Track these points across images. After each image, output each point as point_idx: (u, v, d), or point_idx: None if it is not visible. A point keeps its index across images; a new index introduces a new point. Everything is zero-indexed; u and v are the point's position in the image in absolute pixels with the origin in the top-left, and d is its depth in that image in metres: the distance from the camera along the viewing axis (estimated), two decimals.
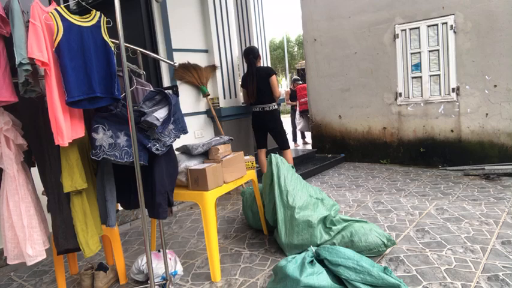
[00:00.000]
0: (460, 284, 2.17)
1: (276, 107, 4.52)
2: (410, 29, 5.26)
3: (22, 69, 1.63)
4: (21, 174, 1.93)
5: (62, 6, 1.83)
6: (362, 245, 2.58)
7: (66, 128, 1.79)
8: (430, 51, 5.15)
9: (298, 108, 8.05)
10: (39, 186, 2.08)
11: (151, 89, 2.36)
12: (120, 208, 2.53)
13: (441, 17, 4.97)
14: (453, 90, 5.01)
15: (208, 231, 2.46)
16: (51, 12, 1.74)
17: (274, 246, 2.97)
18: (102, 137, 1.94)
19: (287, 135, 4.75)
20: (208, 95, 4.62)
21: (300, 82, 8.71)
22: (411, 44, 5.29)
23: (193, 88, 4.58)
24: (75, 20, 1.82)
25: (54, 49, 1.74)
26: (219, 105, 4.76)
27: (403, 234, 2.97)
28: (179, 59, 4.33)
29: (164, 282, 2.40)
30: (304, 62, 7.92)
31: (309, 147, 7.55)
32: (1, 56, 1.71)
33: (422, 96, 5.31)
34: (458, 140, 5.07)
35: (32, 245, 1.92)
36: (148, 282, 2.33)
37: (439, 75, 5.12)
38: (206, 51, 4.75)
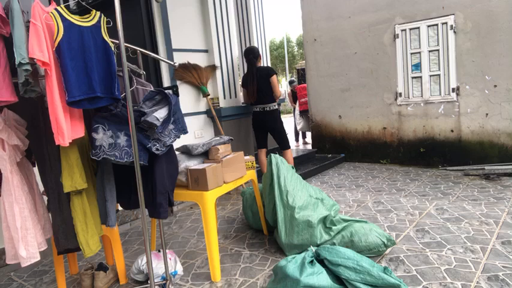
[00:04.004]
0: (460, 284, 2.17)
1: (276, 107, 4.52)
2: (410, 29, 5.26)
3: (22, 69, 1.63)
4: (16, 176, 1.91)
5: (62, 6, 1.83)
6: (362, 245, 2.58)
7: (67, 128, 1.79)
8: (430, 51, 5.15)
9: (298, 108, 8.06)
10: (39, 187, 2.08)
11: (152, 89, 2.36)
12: (120, 208, 2.53)
13: (441, 17, 4.97)
14: (453, 90, 5.01)
15: (208, 231, 2.46)
16: (51, 12, 1.75)
17: (274, 246, 2.97)
18: (102, 137, 1.94)
19: (288, 135, 4.75)
20: (208, 95, 4.62)
21: (295, 83, 8.73)
22: (411, 44, 5.29)
23: (193, 88, 4.58)
24: (75, 20, 1.82)
25: (54, 49, 1.74)
26: (219, 105, 4.76)
27: (403, 234, 2.97)
28: (179, 59, 4.33)
29: (164, 282, 2.40)
30: (304, 62, 7.92)
31: (309, 147, 7.55)
32: (1, 56, 1.71)
33: (422, 96, 5.31)
34: (458, 140, 5.07)
35: (25, 246, 1.91)
36: (148, 282, 2.33)
37: (439, 75, 5.12)
38: (206, 51, 4.75)
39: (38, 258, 1.96)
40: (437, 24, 5.02)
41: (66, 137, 1.77)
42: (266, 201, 2.98)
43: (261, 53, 5.95)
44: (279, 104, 4.90)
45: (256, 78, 4.38)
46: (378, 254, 2.62)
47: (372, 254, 2.60)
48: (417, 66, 5.29)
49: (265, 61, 6.51)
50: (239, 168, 2.82)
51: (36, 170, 2.08)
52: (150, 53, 2.68)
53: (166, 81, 4.30)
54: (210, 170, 2.47)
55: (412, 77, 5.36)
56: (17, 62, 1.62)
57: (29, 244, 1.92)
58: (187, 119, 3.76)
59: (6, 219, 1.89)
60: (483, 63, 4.74)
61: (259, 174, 4.35)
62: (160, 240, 2.52)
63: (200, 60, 4.62)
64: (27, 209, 1.93)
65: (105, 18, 1.93)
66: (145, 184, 2.15)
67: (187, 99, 4.49)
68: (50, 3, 1.97)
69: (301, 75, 10.99)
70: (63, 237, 2.02)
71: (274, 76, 4.44)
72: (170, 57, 4.27)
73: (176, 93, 2.32)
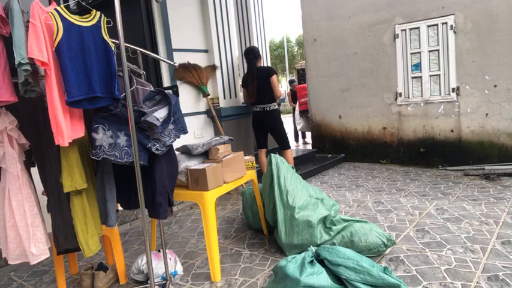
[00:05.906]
0: (460, 284, 2.17)
1: (276, 107, 4.52)
2: (410, 29, 5.26)
3: (21, 69, 1.63)
4: (24, 174, 1.94)
5: (62, 6, 1.83)
6: (362, 245, 2.58)
7: (66, 128, 1.79)
8: (430, 51, 5.15)
9: (298, 108, 8.06)
10: (39, 186, 2.08)
11: (152, 89, 2.36)
12: (120, 208, 2.54)
13: (441, 17, 4.97)
14: (453, 90, 5.01)
15: (208, 231, 2.46)
16: (51, 12, 1.74)
17: (274, 246, 2.97)
18: (102, 137, 1.94)
19: (287, 135, 4.75)
20: (208, 95, 4.62)
21: (295, 83, 8.73)
22: (411, 44, 5.29)
23: (193, 88, 4.58)
24: (75, 20, 1.82)
25: (54, 49, 1.74)
26: (219, 105, 4.76)
27: (403, 234, 2.97)
28: (179, 59, 4.33)
29: (164, 282, 2.40)
30: (304, 62, 7.92)
31: (309, 147, 7.55)
32: (1, 56, 1.71)
33: (422, 96, 5.31)
34: (458, 140, 5.07)
35: (35, 243, 1.93)
36: (148, 282, 2.33)
37: (439, 75, 5.12)
38: (206, 51, 4.75)
39: (48, 255, 1.99)
40: (437, 24, 5.02)
41: (65, 137, 1.77)
42: (266, 201, 2.98)
43: (261, 53, 5.95)
44: (279, 104, 4.90)
45: (256, 78, 4.38)
46: (378, 254, 2.62)
47: (372, 254, 2.60)
48: (417, 66, 5.29)
49: (265, 61, 6.51)
50: (239, 168, 2.82)
51: (36, 170, 2.09)
52: (150, 53, 2.68)
53: (166, 81, 4.30)
54: (210, 170, 2.47)
55: (412, 77, 5.36)
56: (16, 62, 1.62)
57: (39, 241, 1.94)
58: (187, 119, 3.75)
59: (12, 217, 1.90)
60: (483, 63, 4.74)
61: (259, 174, 4.35)
62: (160, 240, 2.52)
63: (200, 60, 4.62)
64: (36, 207, 1.96)
65: (105, 18, 1.93)
66: (145, 184, 2.15)
67: (187, 99, 4.49)
68: (50, 3, 1.97)
69: (301, 75, 10.97)
70: (62, 237, 2.02)
71: (274, 76, 4.44)
72: (170, 57, 4.27)
73: (176, 93, 2.32)
